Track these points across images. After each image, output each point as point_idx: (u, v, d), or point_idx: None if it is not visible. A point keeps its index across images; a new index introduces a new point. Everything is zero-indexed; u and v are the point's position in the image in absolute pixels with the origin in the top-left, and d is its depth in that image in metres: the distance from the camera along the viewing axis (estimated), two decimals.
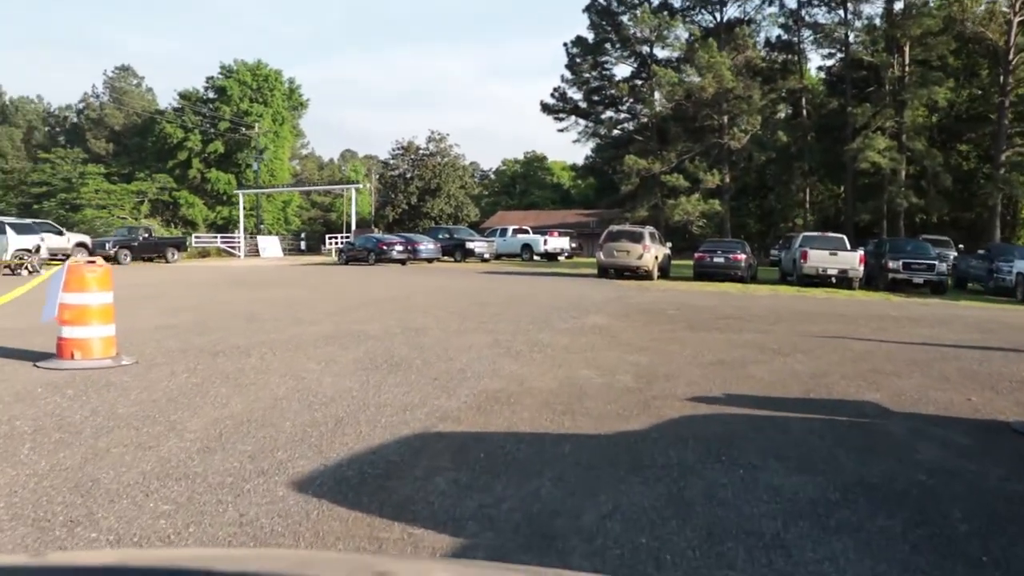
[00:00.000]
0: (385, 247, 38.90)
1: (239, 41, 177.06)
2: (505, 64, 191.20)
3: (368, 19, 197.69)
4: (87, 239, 39.38)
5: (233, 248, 55.39)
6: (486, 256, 42.79)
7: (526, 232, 47.95)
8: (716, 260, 28.78)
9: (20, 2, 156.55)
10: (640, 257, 28.02)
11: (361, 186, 62.33)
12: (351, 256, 40.67)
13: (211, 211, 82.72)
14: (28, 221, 31.95)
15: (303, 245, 59.95)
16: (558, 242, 46.43)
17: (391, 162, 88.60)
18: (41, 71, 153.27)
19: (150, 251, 42.66)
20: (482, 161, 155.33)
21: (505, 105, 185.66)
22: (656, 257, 28.61)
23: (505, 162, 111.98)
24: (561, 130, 65.42)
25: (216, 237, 57.05)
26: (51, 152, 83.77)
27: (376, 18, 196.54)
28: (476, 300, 18.31)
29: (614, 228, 29.93)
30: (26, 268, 28.07)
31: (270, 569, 1.07)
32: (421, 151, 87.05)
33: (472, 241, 43.04)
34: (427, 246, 41.30)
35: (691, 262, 30.44)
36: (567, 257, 48.06)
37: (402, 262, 39.15)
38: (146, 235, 43.11)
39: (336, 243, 51.72)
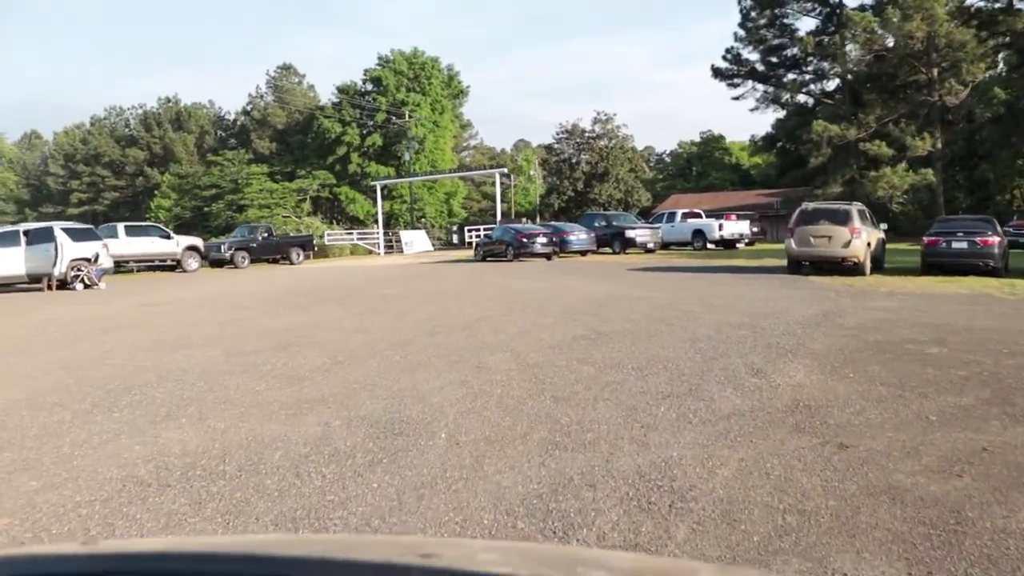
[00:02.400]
0: (525, 239, 32.45)
1: (407, 43, 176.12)
2: (682, 46, 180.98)
3: (540, 14, 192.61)
4: (199, 242, 35.45)
5: (372, 245, 50.55)
6: (650, 246, 35.66)
7: (698, 216, 40.29)
8: (956, 246, 20.41)
9: (190, 17, 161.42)
10: (848, 244, 20.20)
11: (506, 170, 56.17)
12: (488, 251, 34.57)
13: (374, 205, 79.49)
14: (83, 226, 27.59)
15: (455, 238, 54.50)
16: (736, 226, 38.52)
17: (555, 146, 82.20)
18: (212, 77, 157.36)
19: (271, 252, 38.55)
20: (657, 145, 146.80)
21: (682, 88, 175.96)
22: (869, 244, 20.66)
23: (681, 144, 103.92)
24: (736, 98, 56.18)
25: (352, 233, 52.36)
26: (219, 155, 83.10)
27: (548, 12, 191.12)
28: (589, 326, 11.44)
29: (809, 206, 22.04)
30: (82, 281, 23.43)
31: (319, 552, 1.07)
32: (587, 134, 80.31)
33: (632, 229, 35.88)
34: (579, 236, 34.72)
35: (901, 247, 22.03)
36: (747, 244, 40.09)
37: (547, 256, 32.77)
38: (266, 235, 38.75)
39: (476, 236, 45.66)
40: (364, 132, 77.14)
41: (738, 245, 39.02)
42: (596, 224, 37.45)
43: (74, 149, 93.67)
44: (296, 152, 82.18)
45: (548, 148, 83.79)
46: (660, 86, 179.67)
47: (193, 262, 34.19)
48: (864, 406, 6.78)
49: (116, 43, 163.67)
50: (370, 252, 49.99)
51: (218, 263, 36.91)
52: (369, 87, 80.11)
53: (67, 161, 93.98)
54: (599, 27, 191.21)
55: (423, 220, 78.80)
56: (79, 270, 23.56)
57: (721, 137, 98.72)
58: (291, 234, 46.94)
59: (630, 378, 7.89)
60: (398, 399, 7.16)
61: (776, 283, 18.41)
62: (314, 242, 42.38)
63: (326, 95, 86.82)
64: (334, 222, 77.48)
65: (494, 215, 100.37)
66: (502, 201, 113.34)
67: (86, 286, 23.51)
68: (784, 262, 22.91)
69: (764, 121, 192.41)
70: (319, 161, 78.98)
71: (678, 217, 39.82)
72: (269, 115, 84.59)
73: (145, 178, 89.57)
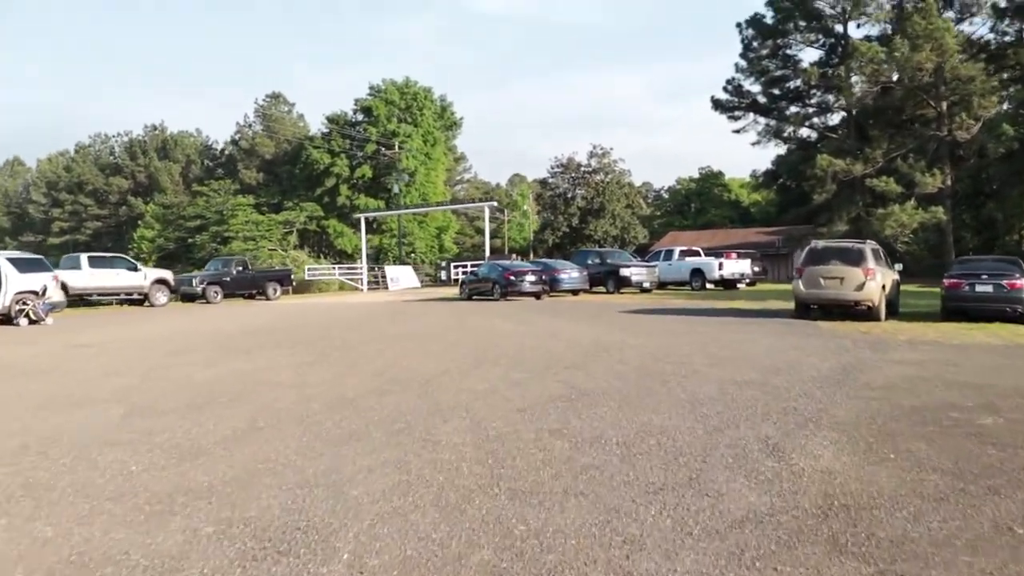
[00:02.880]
0: (513, 277, 30.87)
1: (402, 71, 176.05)
2: (682, 81, 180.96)
3: (538, 46, 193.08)
4: (168, 275, 33.82)
5: (356, 280, 48.94)
6: (646, 285, 34.06)
7: (696, 254, 38.73)
8: (981, 289, 18.82)
9: (179, 43, 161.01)
10: (861, 287, 18.62)
11: (496, 204, 54.65)
12: (474, 289, 32.97)
13: (359, 239, 78.01)
14: (32, 256, 25.95)
15: (443, 275, 52.90)
16: (737, 266, 36.93)
17: (550, 180, 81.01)
18: (200, 105, 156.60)
19: (246, 287, 37.28)
20: (655, 180, 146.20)
21: (681, 123, 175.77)
22: (884, 287, 19.10)
23: (679, 181, 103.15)
24: (737, 131, 54.63)
25: (334, 268, 50.72)
26: (205, 185, 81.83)
27: (545, 45, 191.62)
28: (571, 382, 9.82)
29: (819, 244, 20.48)
30: (27, 315, 21.75)
31: None
32: (583, 168, 79.19)
33: (627, 267, 34.25)
34: (570, 275, 33.16)
35: (910, 289, 20.42)
36: (748, 284, 38.52)
37: (536, 295, 31.17)
38: (240, 268, 37.21)
39: (451, 270, 44.08)
40: (354, 163, 76.12)
41: (739, 285, 37.46)
42: (589, 261, 35.90)
43: (57, 177, 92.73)
44: (284, 183, 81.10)
45: (543, 183, 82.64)
46: (659, 121, 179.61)
47: (162, 296, 32.60)
48: (919, 507, 5.17)
49: (103, 68, 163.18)
50: (354, 288, 48.36)
51: (189, 297, 35.58)
52: (360, 117, 79.13)
53: (49, 189, 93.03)
54: (597, 60, 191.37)
55: (412, 255, 77.31)
56: (24, 304, 21.88)
57: (720, 173, 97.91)
58: (271, 268, 45.22)
59: (613, 459, 6.26)
60: (306, 490, 5.53)
61: (783, 329, 16.82)
62: (292, 277, 40.70)
63: (316, 125, 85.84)
64: (321, 256, 76.06)
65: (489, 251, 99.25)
66: (495, 237, 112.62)
67: (32, 321, 21.84)
68: (790, 305, 21.36)
69: (765, 157, 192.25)
70: (307, 193, 77.81)
71: (675, 255, 38.29)
72: (257, 145, 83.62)
73: (129, 208, 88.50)
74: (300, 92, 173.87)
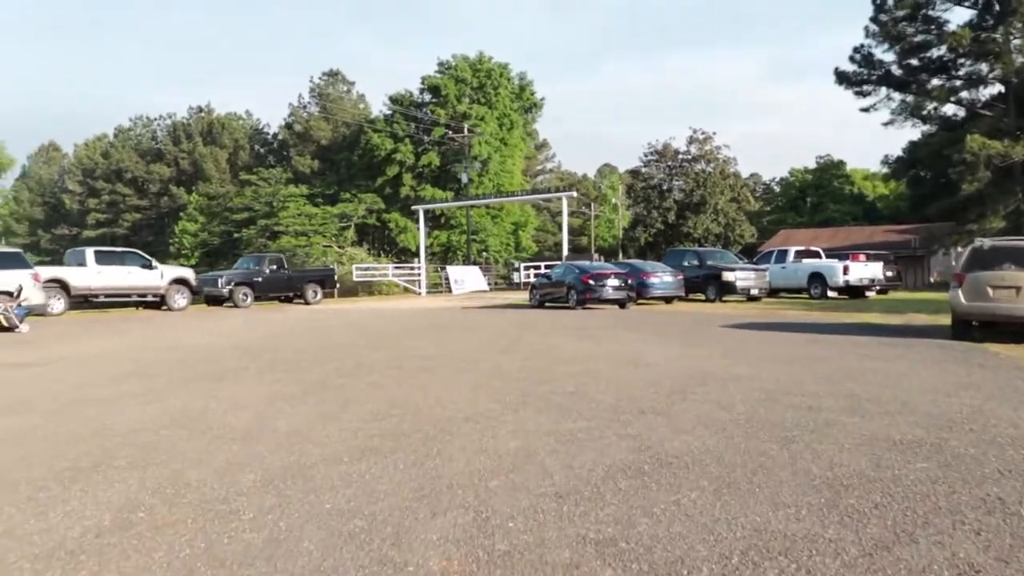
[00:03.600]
0: (592, 281, 28.56)
1: (476, 48, 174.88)
2: (795, 60, 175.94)
3: (636, 24, 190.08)
4: (188, 274, 32.63)
5: (413, 282, 47.09)
6: (754, 292, 31.60)
7: (815, 255, 35.86)
8: None
9: (230, 17, 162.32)
10: None
11: (575, 193, 51.79)
12: (546, 295, 30.94)
13: (427, 236, 76.67)
14: (9, 250, 24.57)
15: (516, 277, 50.88)
16: (866, 270, 33.86)
17: (643, 170, 78.18)
18: (251, 85, 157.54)
19: (281, 288, 36.32)
20: (764, 172, 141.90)
21: (794, 107, 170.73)
22: None
23: (792, 172, 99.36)
24: (866, 109, 50.74)
25: (388, 268, 48.85)
26: (254, 173, 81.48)
27: (645, 23, 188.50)
28: (646, 441, 7.32)
29: (985, 244, 17.41)
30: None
31: None
32: (680, 155, 76.18)
33: (731, 270, 31.73)
34: (662, 279, 30.94)
35: None
36: (879, 291, 35.41)
37: (620, 303, 28.90)
38: (274, 267, 35.77)
39: (525, 273, 41.93)
40: (419, 150, 75.11)
41: (868, 293, 34.42)
42: (686, 263, 33.64)
43: (94, 164, 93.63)
44: (341, 172, 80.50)
45: (634, 173, 79.75)
46: (768, 105, 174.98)
47: (180, 299, 31.47)
48: None
49: (148, 45, 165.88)
50: (411, 291, 46.58)
51: (215, 300, 34.58)
52: (426, 97, 77.99)
53: (86, 177, 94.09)
54: (699, 39, 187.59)
55: (484, 254, 75.58)
56: None
57: (841, 163, 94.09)
58: (312, 267, 43.83)
59: None
60: None
61: (941, 355, 14.01)
62: (337, 278, 39.10)
63: (377, 107, 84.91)
64: (382, 254, 75.03)
65: (572, 250, 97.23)
66: (581, 235, 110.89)
67: (2, 328, 20.28)
68: (940, 320, 18.48)
69: (896, 142, 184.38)
70: (366, 183, 76.93)
71: (790, 256, 35.54)
72: (312, 129, 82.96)
73: (170, 198, 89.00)
74: (361, 70, 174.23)
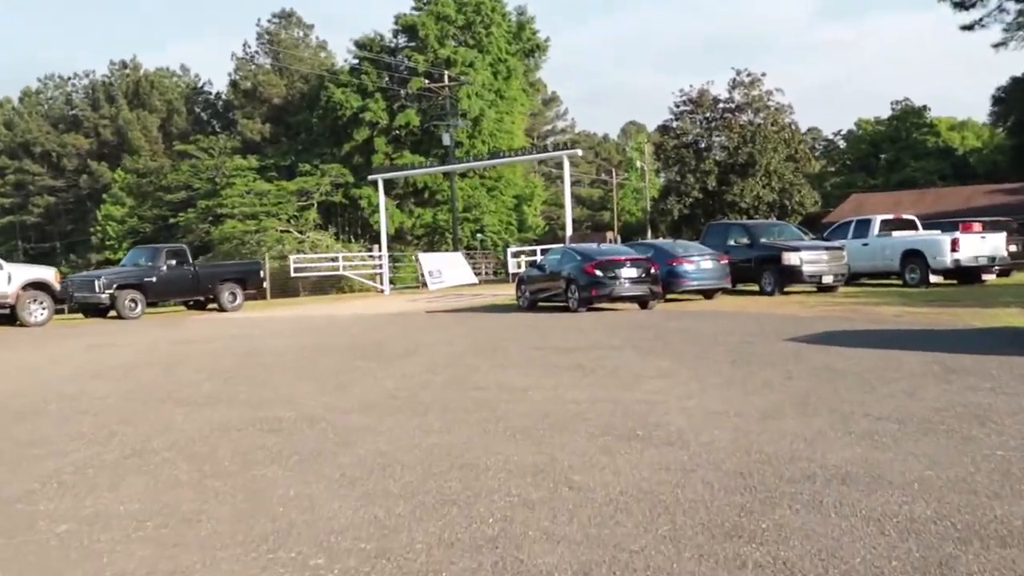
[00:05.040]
0: (599, 272, 24.04)
1: None
2: None
3: None
4: (47, 275, 28.97)
5: (373, 276, 42.72)
6: (828, 280, 27.52)
7: (909, 226, 31.30)
8: None
9: None
10: None
11: (579, 152, 46.90)
12: (537, 292, 26.76)
13: (407, 215, 72.67)
14: None
15: (515, 265, 46.52)
16: (983, 244, 29.14)
17: (675, 124, 73.33)
18: (186, 33, 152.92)
19: (185, 291, 32.99)
20: (824, 126, 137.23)
21: (860, 47, 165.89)
22: None
23: (860, 123, 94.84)
24: (969, 26, 45.70)
25: (337, 258, 44.20)
26: (192, 142, 77.75)
27: None
28: None
29: None
30: None
31: None
32: (721, 104, 71.27)
33: (795, 250, 27.40)
34: (699, 265, 26.90)
35: None
36: (998, 274, 30.73)
37: (640, 301, 24.63)
38: (174, 262, 32.11)
39: (519, 263, 37.61)
40: (394, 107, 71.98)
41: (985, 277, 29.69)
42: (732, 242, 29.73)
43: None
44: (300, 138, 77.28)
45: (664, 129, 74.96)
46: (825, 46, 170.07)
47: (39, 310, 28.05)
48: None
49: None
50: (369, 289, 42.33)
51: (92, 310, 31.14)
52: (401, 41, 74.88)
53: None
54: None
55: (480, 236, 71.59)
56: None
57: (923, 110, 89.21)
58: (228, 261, 40.06)
59: None
60: None
61: None
62: (263, 274, 35.04)
63: (342, 55, 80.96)
64: (352, 239, 71.05)
65: (591, 228, 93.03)
66: (602, 209, 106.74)
67: None
68: None
69: (999, 77, 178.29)
70: (331, 151, 73.88)
71: (874, 228, 31.10)
72: (262, 85, 79.97)
73: (91, 176, 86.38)
74: (320, 10, 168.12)
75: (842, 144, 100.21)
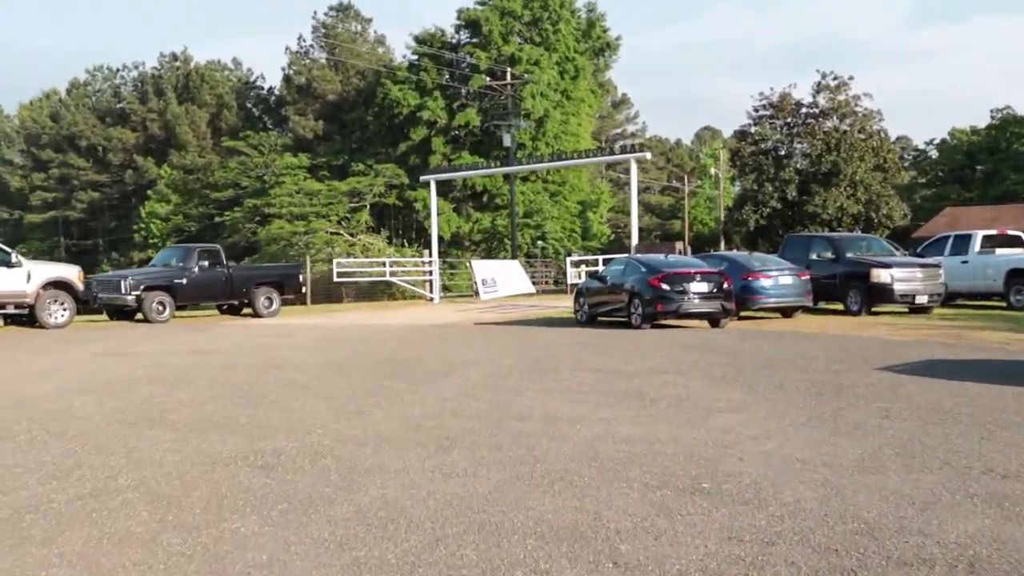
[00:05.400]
0: (665, 286, 22.91)
1: None
2: None
3: None
4: (71, 274, 28.54)
5: (423, 283, 41.82)
6: (922, 300, 26.48)
7: (1017, 243, 29.99)
8: None
9: None
10: None
11: (648, 155, 45.39)
12: (597, 306, 25.87)
13: (464, 219, 71.81)
14: None
15: (575, 275, 45.53)
16: None
17: (752, 130, 71.81)
18: (239, 24, 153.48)
19: (217, 295, 32.30)
20: (914, 135, 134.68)
21: (955, 51, 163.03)
22: None
23: (954, 133, 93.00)
24: None
25: (384, 263, 43.21)
26: (242, 138, 77.47)
27: None
28: None
29: None
30: None
31: None
32: (804, 109, 69.60)
33: (885, 266, 26.37)
34: (777, 280, 25.92)
35: None
36: None
37: (712, 319, 23.77)
38: (206, 263, 31.49)
39: (580, 273, 36.60)
40: (454, 106, 71.47)
41: None
42: (814, 255, 28.61)
43: (40, 129, 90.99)
44: (353, 136, 77.17)
45: (742, 134, 73.47)
46: (917, 54, 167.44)
47: (59, 311, 27.53)
48: None
49: None
50: (418, 296, 41.48)
51: (120, 312, 30.39)
52: (464, 37, 74.71)
53: (30, 146, 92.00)
54: None
55: (541, 244, 70.56)
56: None
57: None
58: (269, 262, 39.36)
59: None
60: None
61: None
62: (302, 278, 34.25)
63: (400, 51, 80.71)
64: (406, 243, 70.26)
65: (661, 237, 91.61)
66: (673, 218, 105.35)
67: None
68: None
69: None
70: (385, 151, 73.37)
71: (975, 244, 29.74)
72: (316, 81, 79.44)
73: (136, 171, 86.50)
74: (379, 3, 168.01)
75: (934, 154, 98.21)
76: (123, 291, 29.17)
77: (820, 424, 9.86)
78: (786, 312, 26.16)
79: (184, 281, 30.39)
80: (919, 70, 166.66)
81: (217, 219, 76.42)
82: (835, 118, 67.89)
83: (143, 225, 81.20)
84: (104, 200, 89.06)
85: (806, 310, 26.88)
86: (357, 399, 12.25)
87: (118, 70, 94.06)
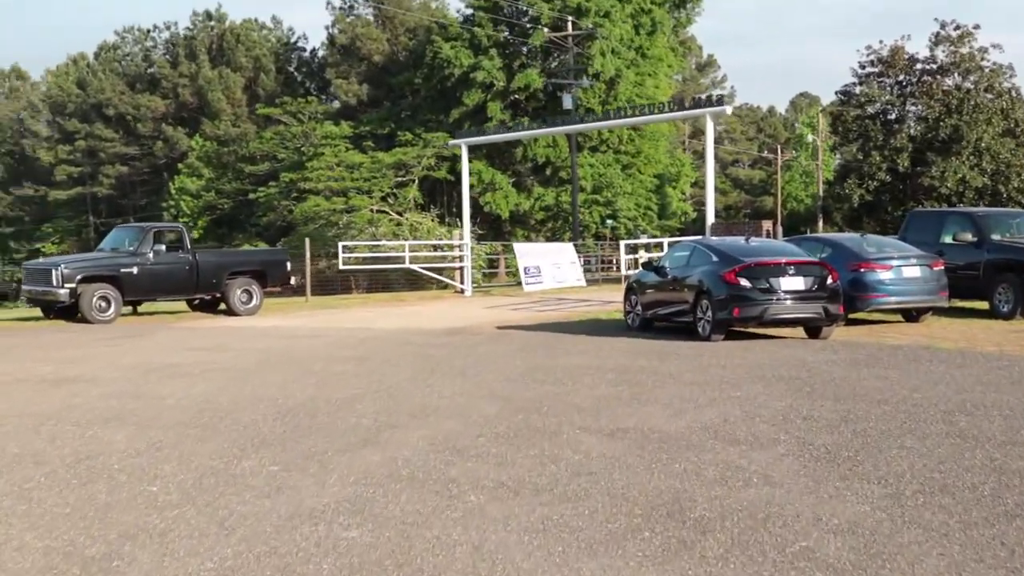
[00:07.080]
0: (745, 282, 17.51)
1: None
2: None
3: None
4: None
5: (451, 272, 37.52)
6: None
7: None
8: None
9: None
10: None
11: (728, 110, 39.73)
12: (654, 306, 20.87)
13: (524, 196, 67.19)
14: None
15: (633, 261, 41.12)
16: None
17: (859, 90, 66.30)
18: None
19: (180, 288, 28.08)
20: None
21: None
22: None
23: None
24: None
25: (403, 245, 38.66)
26: (280, 105, 73.96)
27: None
28: None
29: None
30: None
31: None
32: (919, 66, 63.94)
33: None
34: (900, 272, 20.39)
35: None
36: None
37: (812, 327, 18.79)
38: (163, 248, 27.51)
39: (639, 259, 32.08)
40: (512, 66, 66.57)
41: None
42: (948, 237, 23.71)
43: (66, 97, 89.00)
44: (402, 102, 73.79)
45: (844, 95, 68.03)
46: None
47: None
48: None
49: None
50: (445, 285, 37.89)
51: (55, 309, 26.51)
52: None
53: (55, 115, 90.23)
54: None
55: (611, 223, 65.67)
56: None
57: None
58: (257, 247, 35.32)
59: None
60: None
61: None
62: (289, 266, 30.62)
63: (455, 4, 76.56)
64: (458, 222, 65.81)
65: (750, 216, 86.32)
66: (765, 194, 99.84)
67: None
68: None
69: None
70: (436, 117, 69.23)
71: None
72: (360, 39, 75.59)
73: (167, 143, 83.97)
74: None
75: None
76: (54, 283, 25.17)
77: None
78: (911, 314, 21.23)
79: (134, 270, 26.38)
80: None
81: (251, 195, 72.80)
82: (956, 75, 62.46)
83: (173, 202, 78.34)
84: (134, 175, 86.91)
85: (937, 311, 21.78)
86: (161, 514, 6.86)
87: (149, 31, 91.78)
